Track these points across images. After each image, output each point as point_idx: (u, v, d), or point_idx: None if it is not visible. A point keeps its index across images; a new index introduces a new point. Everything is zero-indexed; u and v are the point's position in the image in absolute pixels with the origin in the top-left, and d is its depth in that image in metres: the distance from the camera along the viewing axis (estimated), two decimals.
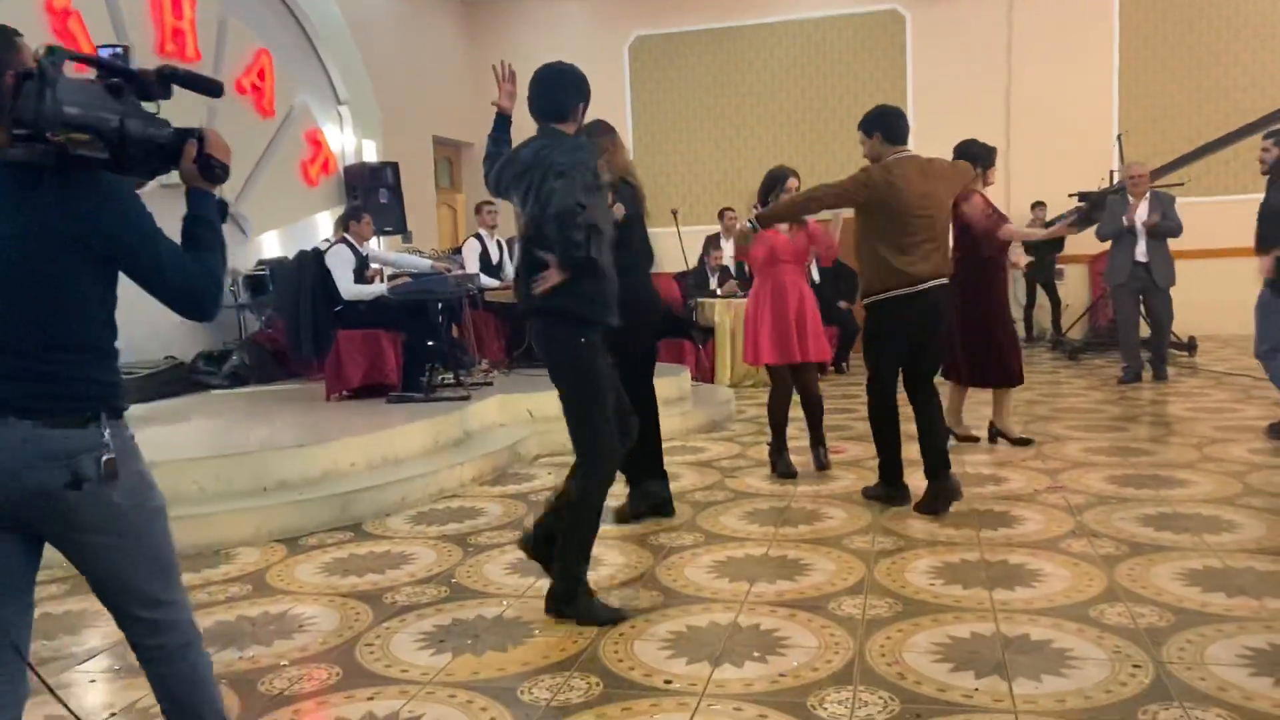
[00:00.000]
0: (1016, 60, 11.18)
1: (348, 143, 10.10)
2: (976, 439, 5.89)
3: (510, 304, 6.98)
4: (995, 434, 5.85)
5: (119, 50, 1.89)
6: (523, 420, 6.40)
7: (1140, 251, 7.72)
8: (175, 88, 1.93)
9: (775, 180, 5.22)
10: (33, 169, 1.77)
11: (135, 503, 1.89)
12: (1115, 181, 9.38)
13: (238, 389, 7.60)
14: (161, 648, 1.97)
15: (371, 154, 10.18)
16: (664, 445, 4.75)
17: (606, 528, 4.43)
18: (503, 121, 3.51)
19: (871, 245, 4.41)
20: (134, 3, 7.39)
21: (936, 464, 4.42)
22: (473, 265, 8.31)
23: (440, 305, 6.89)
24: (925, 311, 4.41)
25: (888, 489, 4.64)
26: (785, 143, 11.79)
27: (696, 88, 12.07)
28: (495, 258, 8.62)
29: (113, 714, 2.78)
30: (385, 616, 3.45)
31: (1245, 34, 10.87)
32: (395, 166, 9.90)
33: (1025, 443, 5.75)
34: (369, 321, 6.68)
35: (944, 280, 4.46)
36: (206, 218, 1.96)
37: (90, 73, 1.83)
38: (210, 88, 2.01)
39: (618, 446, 3.39)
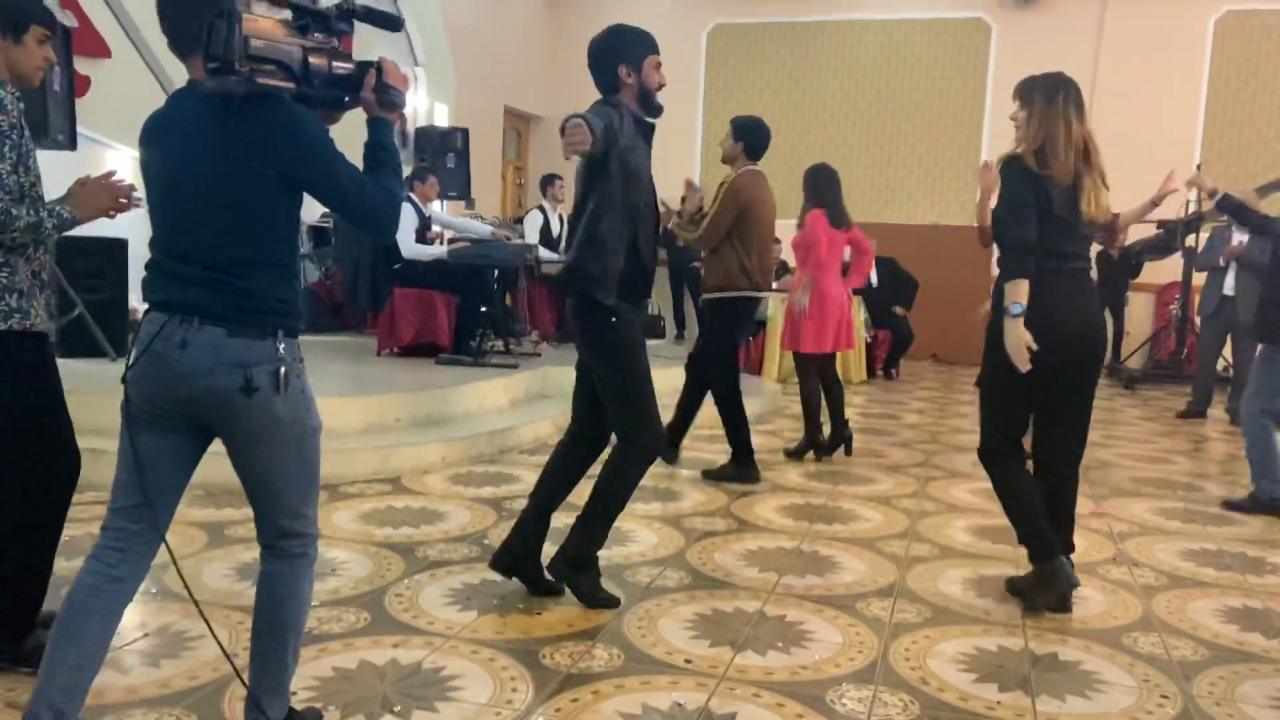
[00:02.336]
0: (1101, 81, 10.90)
1: (420, 104, 10.17)
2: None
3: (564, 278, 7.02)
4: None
5: None
6: (566, 394, 6.40)
7: (1228, 285, 7.39)
8: (356, 22, 2.10)
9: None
10: (226, 100, 1.93)
11: (295, 417, 2.04)
12: (1190, 211, 9.12)
13: None
14: (279, 548, 2.12)
15: (443, 118, 10.25)
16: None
17: (640, 506, 4.45)
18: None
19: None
20: None
21: None
22: (533, 237, 8.35)
23: (496, 272, 6.94)
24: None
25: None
26: (855, 143, 11.66)
27: (771, 80, 11.97)
28: (556, 231, 8.65)
29: (146, 634, 2.85)
30: (416, 569, 3.50)
31: None
32: (465, 133, 9.95)
33: None
34: (426, 282, 6.74)
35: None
36: (386, 143, 2.11)
37: (284, 13, 1.97)
38: (389, 22, 2.19)
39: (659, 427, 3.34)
